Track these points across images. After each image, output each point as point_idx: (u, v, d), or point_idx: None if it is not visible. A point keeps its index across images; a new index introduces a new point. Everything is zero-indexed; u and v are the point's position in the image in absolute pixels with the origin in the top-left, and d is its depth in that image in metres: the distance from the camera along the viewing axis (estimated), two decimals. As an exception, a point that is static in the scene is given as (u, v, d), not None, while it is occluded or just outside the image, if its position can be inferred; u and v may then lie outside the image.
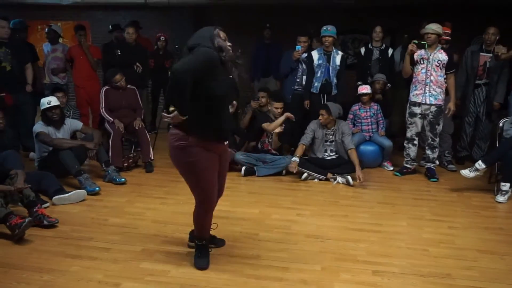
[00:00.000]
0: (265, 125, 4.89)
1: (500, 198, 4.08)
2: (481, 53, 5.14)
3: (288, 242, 3.20)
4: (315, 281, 2.67)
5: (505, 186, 4.08)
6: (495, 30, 5.01)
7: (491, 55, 5.05)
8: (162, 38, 6.67)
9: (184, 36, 7.37)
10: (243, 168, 4.79)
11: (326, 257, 2.98)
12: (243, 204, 3.98)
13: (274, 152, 4.99)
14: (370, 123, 5.25)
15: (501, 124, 4.61)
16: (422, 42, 4.58)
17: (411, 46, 4.62)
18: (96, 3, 8.17)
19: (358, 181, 4.45)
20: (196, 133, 2.47)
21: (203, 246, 2.84)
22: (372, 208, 3.97)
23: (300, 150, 4.71)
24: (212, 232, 2.98)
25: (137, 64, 5.75)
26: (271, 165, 4.83)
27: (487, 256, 3.03)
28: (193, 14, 8.08)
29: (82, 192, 3.99)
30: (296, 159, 4.60)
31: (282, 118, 4.82)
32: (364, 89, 5.21)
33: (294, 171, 4.62)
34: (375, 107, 5.28)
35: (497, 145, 4.51)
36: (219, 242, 3.11)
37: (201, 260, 2.81)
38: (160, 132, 6.01)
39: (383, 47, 5.67)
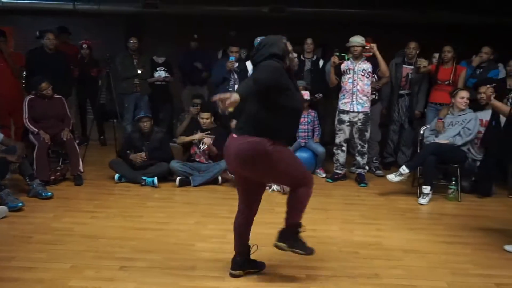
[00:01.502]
0: (182, 137, 4.96)
1: (422, 201, 4.36)
2: (403, 65, 5.50)
3: (225, 251, 3.18)
4: (251, 289, 2.69)
5: (426, 189, 4.37)
6: (415, 45, 5.39)
7: (412, 67, 5.42)
8: (85, 46, 6.41)
9: (116, 44, 7.28)
10: (178, 178, 4.72)
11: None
12: (178, 215, 3.92)
13: (207, 162, 4.96)
14: (306, 130, 5.42)
15: (422, 132, 4.95)
16: (342, 54, 4.87)
17: (333, 58, 4.87)
18: (21, 7, 7.72)
19: (282, 191, 4.54)
20: (276, 136, 2.54)
21: (299, 238, 2.78)
22: (306, 214, 3.97)
23: None
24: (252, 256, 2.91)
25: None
26: (206, 172, 4.81)
27: (411, 255, 3.22)
28: (125, 22, 7.89)
29: (3, 208, 3.71)
30: None
31: (195, 137, 4.89)
32: (304, 95, 5.35)
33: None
34: (313, 114, 5.46)
35: (419, 151, 4.83)
36: (260, 266, 2.95)
37: (307, 248, 2.75)
38: (91, 143, 5.76)
39: (315, 58, 5.88)
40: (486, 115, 4.64)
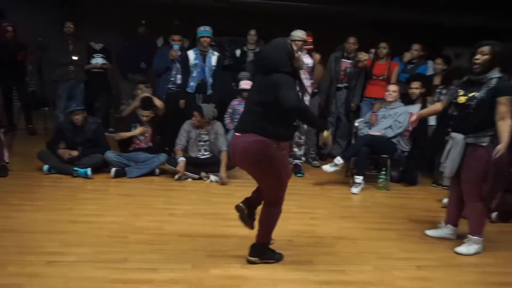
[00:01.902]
0: (121, 134, 4.85)
1: (354, 190, 4.55)
2: (342, 60, 5.68)
3: (159, 242, 3.16)
4: (185, 279, 2.68)
5: (358, 179, 4.56)
6: (354, 40, 5.58)
7: (351, 61, 5.61)
8: (9, 28, 5.99)
9: (49, 28, 6.89)
10: (113, 169, 4.58)
11: (197, 255, 3.00)
12: (111, 207, 3.81)
13: (148, 146, 4.87)
14: None
15: (356, 124, 5.15)
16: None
17: None
18: None
19: (220, 182, 4.58)
20: (280, 136, 2.70)
21: (268, 247, 2.97)
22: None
23: (180, 152, 4.71)
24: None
25: None
26: (144, 164, 4.71)
27: (342, 242, 3.36)
28: (60, 6, 7.48)
29: None
30: (183, 159, 4.63)
31: (136, 132, 4.82)
32: (246, 84, 5.38)
33: (182, 171, 4.60)
34: None
35: (353, 143, 5.02)
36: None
37: (276, 254, 2.97)
38: (18, 133, 5.44)
39: (257, 50, 5.91)
40: (415, 109, 4.90)
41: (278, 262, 2.95)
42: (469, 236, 3.23)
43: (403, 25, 7.03)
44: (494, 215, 3.85)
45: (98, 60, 6.31)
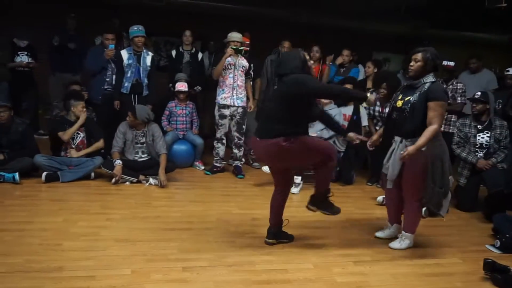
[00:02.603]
0: (61, 134, 4.58)
1: (294, 190, 4.65)
2: (278, 62, 5.78)
3: (96, 249, 3.03)
4: (125, 285, 2.60)
5: (297, 179, 4.68)
6: (289, 44, 5.69)
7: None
8: None
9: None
10: (44, 173, 4.33)
11: (137, 260, 2.92)
12: (43, 213, 3.60)
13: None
14: (185, 122, 5.39)
15: (294, 125, 5.26)
16: (240, 48, 4.90)
17: (229, 51, 4.87)
18: None
19: (159, 185, 4.49)
20: (293, 133, 3.02)
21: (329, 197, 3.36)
22: (184, 207, 4.06)
23: (116, 155, 4.56)
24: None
25: None
26: (78, 168, 4.49)
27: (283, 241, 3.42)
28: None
29: None
30: (119, 161, 4.49)
31: (79, 123, 4.63)
32: (182, 86, 5.32)
33: (119, 174, 4.45)
34: (191, 105, 5.46)
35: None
36: (290, 237, 3.42)
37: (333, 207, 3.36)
38: None
39: (193, 51, 5.86)
40: (348, 110, 5.11)
41: (336, 214, 3.37)
42: (403, 232, 3.41)
43: (334, 30, 7.33)
44: (423, 210, 4.12)
45: (23, 58, 5.95)
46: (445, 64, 4.95)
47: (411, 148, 3.06)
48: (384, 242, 3.49)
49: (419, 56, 3.17)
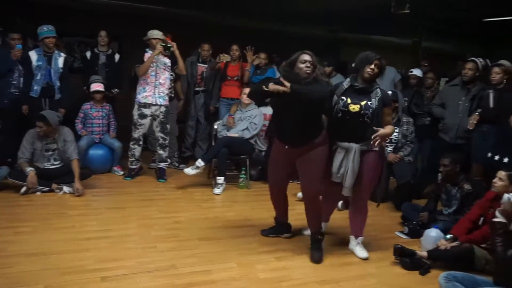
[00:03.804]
0: None
1: (217, 191, 4.67)
2: (198, 64, 5.76)
3: (4, 266, 2.80)
4: (37, 302, 2.43)
5: (220, 179, 4.69)
6: (208, 46, 5.70)
7: (206, 65, 5.73)
8: None
9: None
10: None
11: (50, 274, 2.74)
12: None
13: None
14: (101, 125, 5.17)
15: (215, 126, 5.28)
16: (169, 45, 4.78)
17: (160, 49, 4.72)
18: None
19: (75, 193, 4.28)
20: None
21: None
22: (102, 214, 3.89)
23: (25, 165, 4.23)
24: None
25: None
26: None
27: (206, 243, 3.42)
28: None
29: None
30: (31, 169, 4.21)
31: None
32: (98, 86, 5.09)
33: (33, 183, 4.17)
34: (107, 107, 5.24)
35: (213, 145, 5.14)
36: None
37: None
38: None
39: (110, 52, 5.65)
40: (269, 110, 5.22)
41: None
42: (359, 238, 3.40)
43: (255, 32, 7.44)
44: (340, 204, 4.33)
45: None
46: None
47: (384, 131, 3.09)
48: (304, 237, 3.60)
49: (379, 62, 3.14)
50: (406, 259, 3.22)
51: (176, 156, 5.63)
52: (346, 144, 3.18)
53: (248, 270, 3.02)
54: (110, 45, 5.80)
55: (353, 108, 3.14)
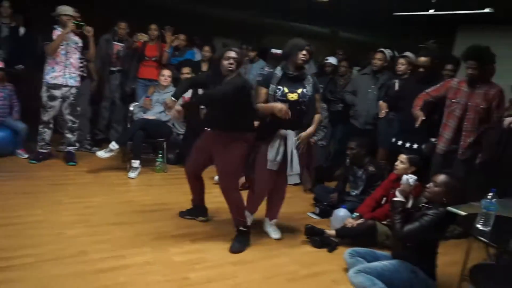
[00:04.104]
0: None
1: (132, 174, 4.53)
2: (114, 43, 5.48)
3: None
4: None
5: (135, 163, 4.56)
6: (125, 25, 5.42)
7: (122, 44, 5.47)
8: None
9: None
10: None
11: None
12: None
13: None
14: (3, 106, 4.74)
15: (131, 108, 5.10)
16: (81, 24, 4.50)
17: (72, 26, 4.41)
18: None
19: None
20: None
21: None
22: (6, 201, 3.60)
23: None
24: None
25: None
26: None
27: (119, 227, 3.32)
28: None
29: None
30: None
31: None
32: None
33: None
34: (9, 87, 4.81)
35: (128, 127, 4.96)
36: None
37: None
38: None
39: (14, 24, 5.18)
40: (188, 93, 5.13)
41: None
42: (273, 220, 3.57)
43: (174, 13, 7.26)
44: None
45: None
46: (274, 52, 5.35)
47: (305, 133, 3.24)
48: (221, 221, 3.64)
49: (309, 49, 3.19)
50: (316, 237, 3.40)
51: (88, 138, 5.34)
52: (283, 131, 3.20)
53: (162, 253, 3.00)
54: (15, 18, 5.31)
55: (292, 97, 3.16)
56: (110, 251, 2.94)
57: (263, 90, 3.23)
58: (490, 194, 2.24)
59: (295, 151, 3.20)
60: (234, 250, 3.16)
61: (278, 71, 3.24)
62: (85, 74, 5.03)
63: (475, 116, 3.58)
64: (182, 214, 3.66)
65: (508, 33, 6.78)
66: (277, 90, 3.18)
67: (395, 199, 2.74)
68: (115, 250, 2.96)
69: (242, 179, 3.78)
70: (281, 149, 3.21)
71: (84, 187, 4.13)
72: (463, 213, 2.50)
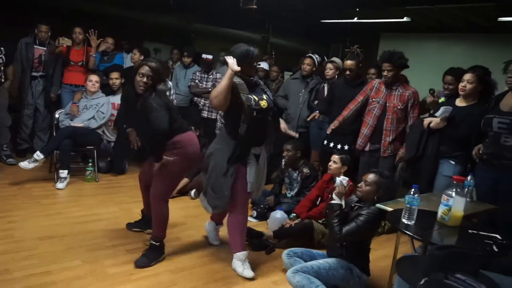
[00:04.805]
0: None
1: (60, 185, 4.29)
2: (35, 46, 5.16)
3: None
4: None
5: (63, 173, 4.31)
6: (46, 28, 5.10)
7: (45, 48, 5.17)
8: None
9: None
10: None
11: None
12: None
13: None
14: None
15: (57, 115, 4.83)
16: None
17: None
18: None
19: None
20: None
21: None
22: None
23: None
24: None
25: None
26: None
27: (47, 241, 3.13)
28: None
29: None
30: None
31: None
32: None
33: None
34: None
35: (54, 135, 4.69)
36: None
37: None
38: None
39: None
40: (117, 99, 4.96)
41: None
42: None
43: (101, 17, 7.01)
44: (192, 192, 4.40)
45: None
46: (205, 57, 5.36)
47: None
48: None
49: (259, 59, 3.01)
50: (254, 240, 3.43)
51: (5, 149, 4.95)
52: (257, 149, 2.95)
53: (95, 266, 2.87)
54: None
55: (264, 105, 2.85)
56: (36, 267, 2.76)
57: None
58: (412, 190, 2.38)
59: (263, 169, 3.06)
60: (138, 264, 2.91)
61: (236, 79, 2.80)
62: (2, 80, 4.69)
63: (393, 116, 3.87)
64: (130, 226, 3.50)
65: (424, 40, 7.33)
66: (249, 99, 2.80)
67: (332, 202, 2.74)
68: (42, 266, 2.78)
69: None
70: (257, 169, 2.97)
71: (6, 200, 3.83)
72: (390, 209, 2.63)
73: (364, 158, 4.07)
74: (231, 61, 2.73)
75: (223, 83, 2.69)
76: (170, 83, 5.38)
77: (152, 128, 2.81)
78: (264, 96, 2.91)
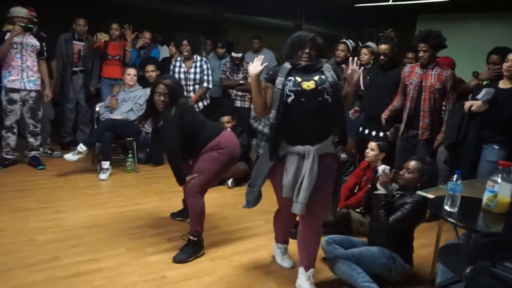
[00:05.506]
0: None
1: (102, 176, 4.44)
2: (74, 42, 5.32)
3: None
4: None
5: (105, 164, 4.46)
6: (84, 22, 5.26)
7: (83, 43, 5.33)
8: None
9: None
10: None
11: None
12: None
13: None
14: None
15: (97, 109, 4.98)
16: (29, 26, 4.32)
17: (18, 29, 4.23)
18: None
19: None
20: None
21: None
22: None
23: None
24: None
25: None
26: None
27: (93, 230, 3.26)
28: None
29: None
30: None
31: None
32: None
33: None
34: None
35: (95, 128, 4.85)
36: None
37: None
38: None
39: None
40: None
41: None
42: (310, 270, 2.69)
43: (136, 10, 7.13)
44: (230, 182, 4.45)
45: None
46: (234, 56, 5.33)
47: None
48: (206, 221, 3.58)
49: (313, 43, 2.47)
50: (294, 229, 3.43)
51: (48, 143, 5.16)
52: (300, 148, 2.43)
53: (138, 254, 2.96)
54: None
55: (308, 86, 2.38)
56: (83, 255, 2.88)
57: (268, 86, 2.53)
58: (455, 176, 2.32)
59: (307, 175, 2.40)
60: (176, 259, 2.90)
61: (287, 64, 2.50)
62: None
63: (430, 96, 3.69)
64: (173, 216, 3.60)
65: (464, 20, 7.05)
66: (287, 82, 2.40)
67: (377, 192, 2.67)
68: (89, 254, 2.90)
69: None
70: (299, 173, 2.44)
71: (53, 191, 4.01)
72: (431, 196, 2.57)
73: (401, 144, 3.96)
74: (251, 65, 2.54)
75: (252, 91, 2.62)
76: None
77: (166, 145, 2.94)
78: (315, 77, 2.42)
